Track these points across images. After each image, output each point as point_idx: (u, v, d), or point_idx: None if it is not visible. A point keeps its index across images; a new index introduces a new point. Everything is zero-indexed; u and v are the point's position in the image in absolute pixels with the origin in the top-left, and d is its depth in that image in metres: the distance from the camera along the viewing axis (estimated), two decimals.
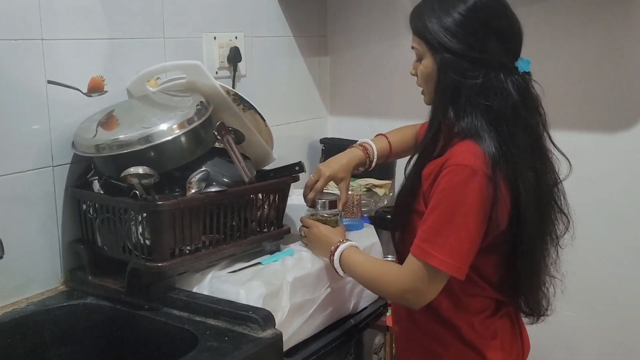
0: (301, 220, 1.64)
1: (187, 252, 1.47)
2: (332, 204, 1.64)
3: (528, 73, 1.34)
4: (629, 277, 2.00)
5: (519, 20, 1.34)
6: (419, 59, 1.37)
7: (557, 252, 1.42)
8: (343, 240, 1.51)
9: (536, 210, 1.33)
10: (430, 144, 1.36)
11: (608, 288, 2.03)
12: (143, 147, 1.44)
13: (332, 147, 2.31)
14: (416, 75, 1.40)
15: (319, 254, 1.58)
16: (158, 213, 1.40)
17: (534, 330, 1.51)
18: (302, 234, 1.62)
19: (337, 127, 2.43)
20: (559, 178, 1.41)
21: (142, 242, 1.44)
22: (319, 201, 1.64)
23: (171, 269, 1.44)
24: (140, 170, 1.36)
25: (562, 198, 1.41)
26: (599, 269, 2.04)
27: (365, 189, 2.16)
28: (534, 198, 1.32)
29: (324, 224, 1.59)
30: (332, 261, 1.50)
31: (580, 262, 2.01)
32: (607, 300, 2.04)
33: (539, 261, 1.38)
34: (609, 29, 1.91)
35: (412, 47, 1.38)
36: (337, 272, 1.50)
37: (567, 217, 1.41)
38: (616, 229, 2.00)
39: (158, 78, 1.72)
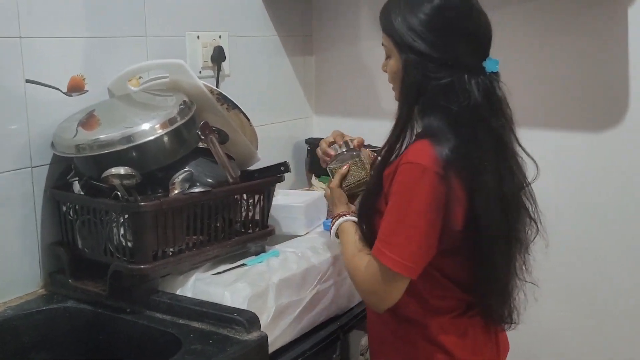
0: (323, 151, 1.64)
1: (170, 253, 1.45)
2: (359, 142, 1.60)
3: (496, 73, 1.32)
4: (615, 279, 2.00)
5: (487, 19, 1.33)
6: (388, 57, 1.37)
7: (524, 258, 1.39)
8: (343, 213, 1.49)
9: (497, 215, 1.30)
10: (393, 144, 1.35)
11: (595, 289, 2.03)
12: (125, 147, 1.41)
13: (317, 147, 2.29)
14: (385, 72, 1.40)
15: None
16: (140, 214, 1.38)
17: (514, 334, 1.49)
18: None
19: (322, 127, 2.41)
20: (527, 182, 1.38)
21: (124, 244, 1.41)
22: (337, 146, 1.60)
23: (154, 271, 1.42)
24: (121, 170, 1.34)
25: (531, 203, 1.39)
26: (585, 269, 2.03)
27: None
28: (494, 201, 1.29)
29: (348, 168, 1.56)
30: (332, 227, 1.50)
31: (564, 264, 2.03)
32: (594, 302, 2.04)
33: (501, 267, 1.35)
34: (592, 29, 1.91)
35: (382, 44, 1.38)
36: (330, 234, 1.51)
37: (536, 223, 1.40)
38: (602, 229, 2.00)
39: (140, 77, 1.70)
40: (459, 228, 1.28)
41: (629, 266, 1.97)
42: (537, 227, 1.40)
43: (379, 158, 1.39)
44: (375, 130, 2.25)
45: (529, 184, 1.39)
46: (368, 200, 1.40)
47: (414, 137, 1.34)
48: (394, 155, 1.34)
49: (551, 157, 1.99)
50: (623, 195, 1.95)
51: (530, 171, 1.39)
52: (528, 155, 1.38)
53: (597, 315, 2.03)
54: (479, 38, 1.32)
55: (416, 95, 1.30)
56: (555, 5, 1.95)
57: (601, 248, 2.00)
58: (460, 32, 1.29)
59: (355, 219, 1.44)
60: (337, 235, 1.49)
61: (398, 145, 1.34)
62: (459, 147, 1.25)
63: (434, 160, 1.25)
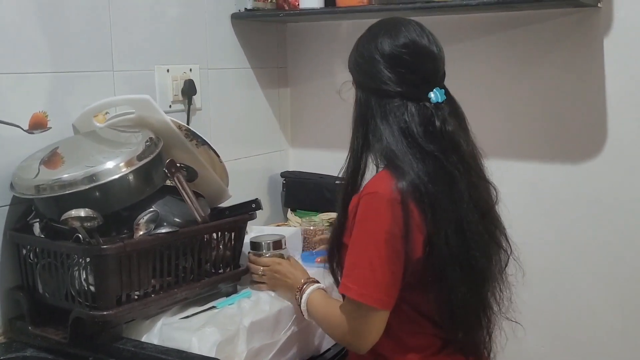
0: (253, 262, 1.61)
1: (136, 297, 1.40)
2: (277, 245, 1.62)
3: (439, 104, 1.32)
4: (598, 313, 1.96)
5: (437, 56, 1.33)
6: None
7: (498, 288, 1.37)
8: (308, 280, 1.49)
9: (454, 241, 1.27)
10: (350, 177, 1.36)
11: (576, 322, 1.99)
12: (87, 187, 1.36)
13: (293, 180, 2.25)
14: None
15: (281, 294, 1.55)
16: (102, 257, 1.32)
17: None
18: (258, 274, 1.59)
19: (298, 160, 2.37)
20: (492, 208, 1.37)
21: (86, 288, 1.36)
22: (263, 242, 1.62)
23: (117, 317, 1.36)
24: (82, 212, 1.29)
25: (498, 229, 1.37)
26: (565, 303, 2.00)
27: (327, 224, 2.10)
28: (451, 227, 1.27)
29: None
30: (298, 302, 1.47)
31: (543, 298, 1.99)
32: (575, 336, 2.00)
33: (466, 295, 1.31)
34: (568, 59, 1.90)
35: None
36: (303, 315, 1.47)
37: (505, 250, 1.38)
38: (580, 261, 1.97)
39: (106, 113, 1.66)
40: (419, 255, 1.26)
41: (610, 299, 1.94)
42: (508, 255, 1.38)
43: (342, 192, 1.38)
44: None
45: (493, 209, 1.37)
46: (335, 237, 1.39)
47: (378, 169, 1.34)
48: (355, 188, 1.35)
49: (528, 189, 1.98)
50: (601, 228, 1.92)
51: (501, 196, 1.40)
52: (489, 182, 1.38)
53: (578, 350, 1.99)
54: (421, 74, 1.32)
55: (362, 128, 1.34)
56: (531, 36, 1.94)
57: (581, 280, 1.97)
58: (401, 69, 1.31)
59: (317, 283, 1.47)
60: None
61: (355, 178, 1.35)
62: (413, 174, 1.26)
63: (392, 188, 1.25)
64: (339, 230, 1.37)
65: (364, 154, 1.34)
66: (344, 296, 1.35)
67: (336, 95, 2.26)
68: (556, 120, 1.94)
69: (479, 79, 1.99)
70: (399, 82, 1.31)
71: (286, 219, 2.23)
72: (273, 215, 2.26)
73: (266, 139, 2.30)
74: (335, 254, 1.39)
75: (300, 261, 1.76)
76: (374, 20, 2.09)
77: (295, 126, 2.38)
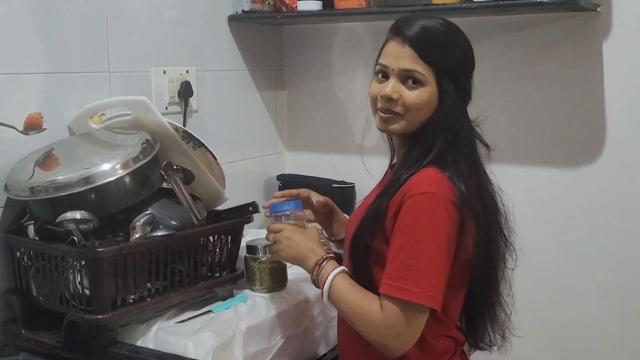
0: (267, 228, 1.47)
1: (131, 301, 1.37)
2: None
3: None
4: (594, 317, 1.96)
5: None
6: (414, 85, 1.29)
7: (508, 283, 1.42)
8: (328, 255, 1.35)
9: (497, 242, 1.34)
10: (411, 173, 1.29)
11: (573, 327, 1.99)
12: (82, 189, 1.35)
13: (289, 183, 2.24)
14: (396, 99, 1.30)
15: (290, 261, 1.42)
16: (98, 260, 1.30)
17: None
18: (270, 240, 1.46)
19: (295, 163, 2.36)
20: (506, 210, 1.39)
21: (80, 292, 1.33)
22: (260, 246, 1.58)
23: (113, 321, 1.34)
24: (77, 215, 1.27)
25: (509, 229, 1.40)
26: (562, 306, 2.00)
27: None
28: (496, 228, 1.33)
29: (266, 271, 1.57)
30: (315, 280, 1.35)
31: (540, 301, 1.98)
32: (572, 342, 1.99)
33: (498, 293, 1.39)
34: (567, 65, 1.90)
35: (407, 70, 1.29)
36: (322, 296, 1.33)
37: (514, 249, 1.41)
38: (578, 266, 1.96)
39: (102, 114, 1.64)
40: (469, 257, 1.28)
41: (607, 304, 1.94)
42: (511, 249, 1.40)
43: (388, 188, 1.31)
44: (349, 166, 2.24)
45: (506, 214, 1.39)
46: (360, 239, 1.32)
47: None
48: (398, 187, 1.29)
49: (525, 193, 1.97)
50: (599, 232, 1.92)
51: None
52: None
53: (574, 356, 1.99)
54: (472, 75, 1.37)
55: (448, 127, 1.30)
56: (530, 40, 1.94)
57: (578, 285, 1.97)
58: (472, 68, 1.36)
59: (343, 268, 1.33)
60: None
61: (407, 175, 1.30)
62: (467, 176, 1.28)
63: (448, 188, 1.24)
64: (369, 233, 1.31)
65: (438, 154, 1.30)
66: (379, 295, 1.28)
67: (332, 97, 2.28)
68: (555, 125, 1.94)
69: (477, 83, 1.98)
70: (470, 87, 1.35)
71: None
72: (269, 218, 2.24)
73: (262, 142, 2.28)
74: (360, 257, 1.33)
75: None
76: (372, 23, 2.09)
77: (292, 129, 2.36)
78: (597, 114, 1.87)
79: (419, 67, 1.28)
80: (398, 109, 1.30)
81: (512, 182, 1.93)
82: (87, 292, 1.33)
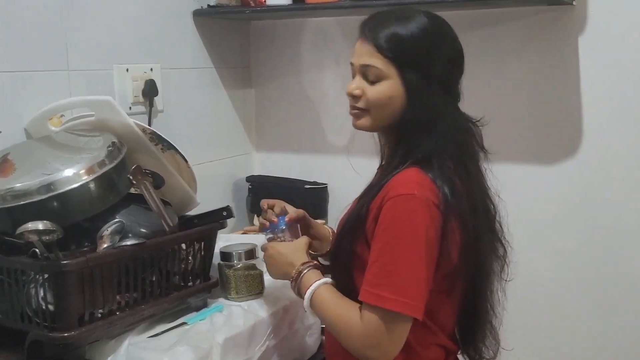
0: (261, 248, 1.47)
1: (99, 316, 1.29)
2: (250, 254, 1.53)
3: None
4: (575, 314, 1.95)
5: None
6: (375, 80, 1.26)
7: (502, 292, 1.37)
8: (307, 265, 1.32)
9: (488, 250, 1.29)
10: (390, 174, 1.24)
11: (553, 325, 1.98)
12: (44, 197, 1.27)
13: (259, 185, 2.17)
14: (358, 95, 1.28)
15: (279, 278, 1.40)
16: (63, 274, 1.21)
17: None
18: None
19: (264, 164, 2.29)
20: (499, 217, 1.35)
21: (44, 307, 1.25)
22: (235, 252, 1.52)
23: (80, 338, 1.25)
24: (39, 225, 1.18)
25: (503, 236, 1.36)
26: (544, 304, 1.98)
27: None
28: (489, 235, 1.27)
29: (242, 278, 1.51)
30: (296, 291, 1.32)
31: (521, 298, 1.95)
32: (555, 335, 1.97)
33: (490, 302, 1.35)
34: (543, 60, 1.88)
35: (366, 65, 1.26)
36: (304, 306, 1.31)
37: (506, 263, 1.36)
38: (554, 262, 1.95)
39: (62, 116, 1.55)
40: (455, 262, 1.22)
41: (588, 301, 1.93)
42: (507, 263, 1.36)
43: (368, 191, 1.28)
44: (320, 166, 2.18)
45: (500, 219, 1.35)
46: (347, 243, 1.28)
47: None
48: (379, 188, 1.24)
49: (502, 190, 1.93)
50: (577, 227, 1.90)
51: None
52: (495, 194, 1.36)
53: (554, 352, 1.97)
54: (461, 68, 1.31)
55: (423, 122, 1.24)
56: (505, 34, 1.91)
57: (557, 280, 1.95)
58: (456, 61, 1.29)
59: (325, 280, 1.30)
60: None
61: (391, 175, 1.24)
62: (453, 176, 1.21)
63: (430, 190, 1.19)
64: (351, 237, 1.26)
65: (410, 151, 1.25)
66: (360, 303, 1.23)
67: (302, 95, 2.22)
68: (530, 120, 1.92)
69: None
70: (455, 80, 1.29)
71: (253, 226, 2.14)
72: (239, 222, 2.17)
73: (230, 143, 2.21)
74: (341, 264, 1.29)
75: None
76: (343, 19, 2.03)
77: (260, 128, 2.30)
78: (573, 108, 1.86)
79: (377, 62, 1.25)
80: (361, 105, 1.28)
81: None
82: (51, 307, 1.24)
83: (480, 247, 1.26)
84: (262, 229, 1.47)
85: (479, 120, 1.32)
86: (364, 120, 1.30)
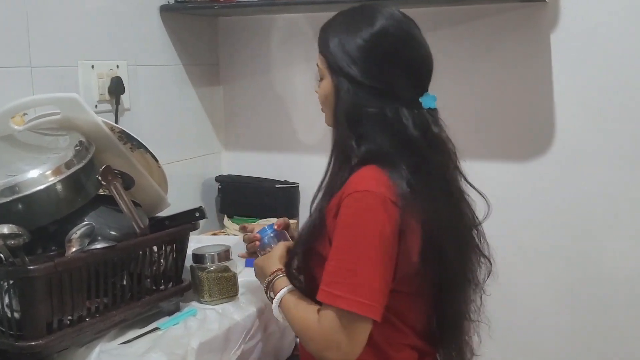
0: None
1: (68, 323, 1.23)
2: (223, 256, 1.50)
3: (434, 110, 1.26)
4: (548, 314, 1.95)
5: (429, 52, 1.27)
6: (321, 78, 1.29)
7: (480, 298, 1.33)
8: (276, 272, 1.31)
9: (453, 252, 1.23)
10: (335, 174, 1.24)
11: (528, 325, 1.97)
12: (8, 199, 1.22)
13: (229, 185, 2.12)
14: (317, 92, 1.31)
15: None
16: (29, 280, 1.15)
17: None
18: None
19: (233, 163, 2.24)
20: (478, 220, 1.33)
21: (9, 315, 1.19)
22: (208, 254, 1.49)
23: (48, 346, 1.20)
24: (4, 229, 1.13)
25: (483, 242, 1.33)
26: (510, 299, 1.96)
27: None
28: (450, 236, 1.22)
29: (215, 281, 1.48)
30: (269, 298, 1.32)
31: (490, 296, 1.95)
32: (526, 333, 1.97)
33: (460, 307, 1.30)
34: (515, 57, 1.87)
35: (317, 65, 1.29)
36: (274, 315, 1.31)
37: (489, 261, 1.33)
38: (524, 259, 1.94)
39: (25, 114, 1.48)
40: (415, 260, 1.18)
41: (559, 298, 1.92)
42: (491, 266, 1.34)
43: (320, 192, 1.25)
44: (291, 165, 2.14)
45: (480, 223, 1.33)
46: (306, 243, 1.26)
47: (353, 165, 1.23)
48: (336, 187, 1.22)
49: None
50: (548, 226, 1.90)
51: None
52: (478, 192, 1.33)
53: (525, 348, 1.97)
54: (416, 71, 1.26)
55: (351, 123, 1.22)
56: (477, 31, 1.90)
57: (525, 276, 1.94)
58: (399, 63, 1.24)
59: (285, 277, 1.30)
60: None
61: (341, 175, 1.22)
62: (410, 174, 1.18)
63: (387, 186, 1.16)
64: (312, 235, 1.24)
65: (348, 149, 1.22)
66: (319, 304, 1.21)
67: (271, 93, 2.17)
68: (502, 118, 1.91)
69: None
70: (392, 82, 1.21)
71: (222, 227, 2.10)
72: (208, 223, 2.11)
73: (198, 142, 2.16)
74: (302, 264, 1.28)
75: (242, 267, 1.66)
76: (314, 14, 2.00)
77: (229, 127, 2.24)
78: (545, 106, 1.86)
79: (318, 60, 1.28)
80: (320, 103, 1.31)
81: None
82: (17, 315, 1.18)
83: (444, 249, 1.21)
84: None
85: (436, 123, 1.26)
86: (325, 117, 1.31)
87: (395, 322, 1.24)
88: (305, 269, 1.29)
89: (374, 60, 1.21)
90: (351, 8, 1.29)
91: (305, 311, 1.22)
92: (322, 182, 1.25)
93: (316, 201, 1.26)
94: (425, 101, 1.24)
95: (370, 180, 1.17)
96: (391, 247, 1.16)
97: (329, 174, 1.25)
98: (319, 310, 1.19)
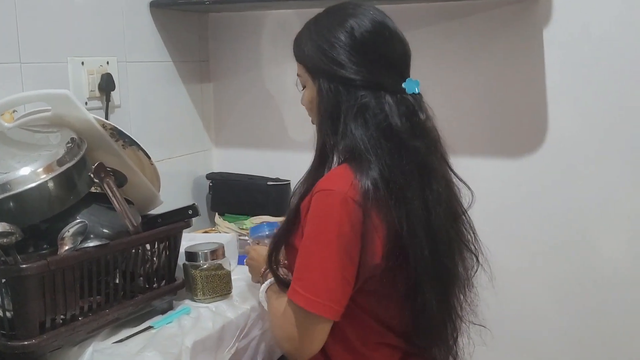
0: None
1: (61, 322, 1.22)
2: (216, 254, 1.50)
3: (417, 95, 1.25)
4: (542, 311, 1.95)
5: (404, 41, 1.27)
6: (304, 87, 1.30)
7: (464, 295, 1.31)
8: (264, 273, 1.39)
9: (425, 248, 1.18)
10: (312, 174, 1.25)
11: (526, 323, 1.97)
12: None
13: (220, 183, 2.11)
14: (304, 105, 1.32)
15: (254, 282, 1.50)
16: (22, 279, 1.14)
17: None
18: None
19: (223, 161, 2.22)
20: (463, 210, 1.31)
21: (1, 315, 1.18)
22: (200, 252, 1.49)
23: (41, 346, 1.18)
24: None
25: (470, 233, 1.31)
26: (503, 297, 1.96)
27: None
28: (422, 232, 1.18)
29: (209, 279, 1.48)
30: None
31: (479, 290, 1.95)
32: (520, 331, 1.97)
33: (434, 306, 1.22)
34: (508, 51, 1.86)
35: (298, 75, 1.31)
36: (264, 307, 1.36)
37: (476, 256, 1.32)
38: (517, 256, 1.94)
39: (14, 111, 1.46)
40: (377, 261, 1.16)
41: (551, 297, 1.93)
42: (478, 259, 1.32)
43: (297, 189, 1.28)
44: (282, 162, 2.13)
45: (465, 212, 1.31)
46: (281, 236, 1.29)
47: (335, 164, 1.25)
48: (312, 185, 1.23)
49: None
50: (541, 222, 1.90)
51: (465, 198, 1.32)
52: (460, 180, 1.32)
53: (517, 346, 1.97)
54: (394, 60, 1.25)
55: (333, 121, 1.22)
56: (469, 28, 1.89)
57: (519, 274, 1.93)
58: (374, 54, 1.22)
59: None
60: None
61: (318, 172, 1.25)
62: (381, 170, 1.16)
63: (350, 185, 1.15)
64: (287, 230, 1.27)
65: (330, 150, 1.23)
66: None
67: (262, 90, 2.16)
68: (495, 114, 1.91)
69: (415, 72, 1.93)
70: (372, 71, 1.21)
71: (214, 224, 2.08)
72: (199, 221, 2.09)
73: (189, 139, 2.13)
74: (276, 255, 1.29)
75: (235, 264, 1.68)
76: (305, 11, 1.98)
77: (220, 124, 2.23)
78: (538, 103, 1.85)
79: (298, 70, 1.30)
80: (308, 113, 1.32)
81: None
82: (9, 314, 1.17)
83: (417, 248, 1.17)
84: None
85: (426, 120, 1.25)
86: (311, 121, 1.33)
87: (369, 321, 1.24)
88: (288, 265, 1.31)
89: (350, 54, 1.21)
90: (317, 14, 1.30)
91: (278, 301, 1.26)
92: (301, 179, 1.27)
93: (292, 197, 1.29)
94: (409, 86, 1.23)
95: (335, 179, 1.18)
96: (351, 246, 1.15)
97: (307, 171, 1.26)
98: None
